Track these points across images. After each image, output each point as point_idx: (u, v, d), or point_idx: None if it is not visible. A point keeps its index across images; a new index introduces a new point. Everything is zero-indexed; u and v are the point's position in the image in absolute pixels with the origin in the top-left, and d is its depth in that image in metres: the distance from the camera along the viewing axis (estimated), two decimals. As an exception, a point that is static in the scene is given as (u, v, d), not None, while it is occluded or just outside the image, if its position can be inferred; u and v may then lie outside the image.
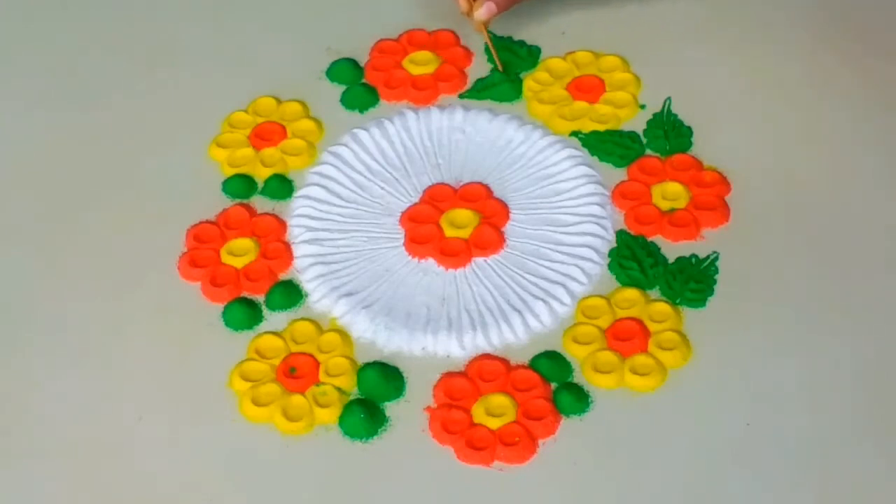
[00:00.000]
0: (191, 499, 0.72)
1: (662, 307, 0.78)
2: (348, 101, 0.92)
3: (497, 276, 0.81)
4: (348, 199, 0.86)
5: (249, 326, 0.79)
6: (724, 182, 0.84)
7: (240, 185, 0.87)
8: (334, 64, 0.94)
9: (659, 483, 0.71)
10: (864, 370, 0.75)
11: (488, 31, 0.91)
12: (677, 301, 0.79)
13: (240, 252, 0.83)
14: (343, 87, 0.92)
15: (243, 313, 0.80)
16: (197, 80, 0.94)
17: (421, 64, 0.93)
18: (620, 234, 0.82)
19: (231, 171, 0.88)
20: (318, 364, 0.77)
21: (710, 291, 0.79)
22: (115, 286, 0.82)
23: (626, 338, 0.77)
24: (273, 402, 0.75)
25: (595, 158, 0.86)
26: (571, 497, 0.71)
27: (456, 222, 0.83)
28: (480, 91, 0.91)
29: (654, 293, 0.79)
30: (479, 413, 0.74)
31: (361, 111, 0.91)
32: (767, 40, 0.93)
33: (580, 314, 0.78)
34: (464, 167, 0.87)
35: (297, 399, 0.75)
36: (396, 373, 0.77)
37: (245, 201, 0.86)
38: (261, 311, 0.80)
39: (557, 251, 0.82)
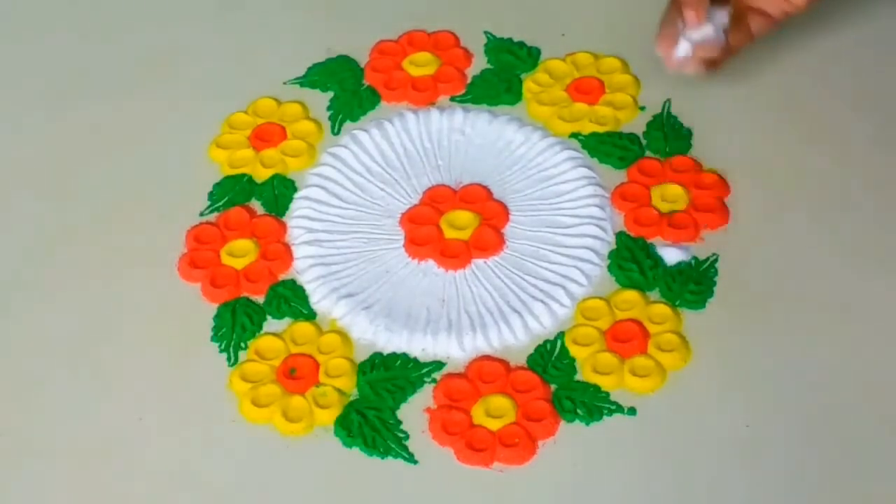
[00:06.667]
0: (191, 499, 0.72)
1: (662, 309, 0.78)
2: (348, 102, 0.92)
3: (497, 278, 0.81)
4: (348, 200, 0.86)
5: (249, 327, 0.80)
6: (723, 184, 0.84)
7: (240, 186, 0.87)
8: (334, 64, 0.94)
9: (658, 484, 0.71)
10: (863, 370, 0.75)
11: None
12: (677, 303, 0.79)
13: (240, 253, 0.83)
14: (343, 88, 0.93)
15: (243, 314, 0.80)
16: (197, 80, 0.94)
17: (421, 65, 0.93)
18: (620, 236, 0.82)
19: (231, 172, 0.88)
20: (317, 365, 0.77)
21: (710, 293, 0.79)
22: (114, 286, 0.82)
23: (626, 339, 0.77)
24: (273, 402, 0.75)
25: (595, 160, 0.86)
26: (571, 498, 0.71)
27: (456, 224, 0.83)
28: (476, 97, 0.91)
29: (654, 295, 0.79)
30: (478, 414, 0.74)
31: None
32: (767, 41, 0.93)
33: (580, 316, 0.78)
34: (463, 168, 0.87)
35: (297, 400, 0.75)
36: (396, 374, 0.77)
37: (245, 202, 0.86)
38: (261, 312, 0.80)
39: (557, 253, 0.82)
